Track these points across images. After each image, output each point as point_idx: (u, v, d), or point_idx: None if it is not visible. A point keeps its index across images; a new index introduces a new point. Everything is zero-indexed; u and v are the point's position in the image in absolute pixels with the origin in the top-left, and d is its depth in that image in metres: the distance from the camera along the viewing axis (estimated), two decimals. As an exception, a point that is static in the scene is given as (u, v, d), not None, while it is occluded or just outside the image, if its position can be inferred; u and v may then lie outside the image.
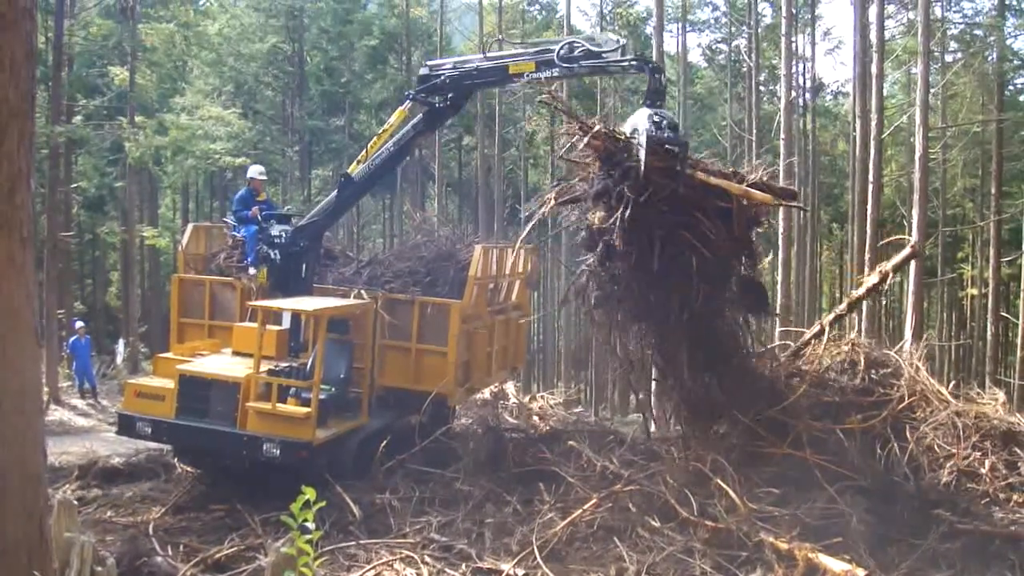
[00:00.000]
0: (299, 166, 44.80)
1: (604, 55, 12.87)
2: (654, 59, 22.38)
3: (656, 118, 11.35)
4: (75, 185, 35.17)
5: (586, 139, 11.50)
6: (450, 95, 14.27)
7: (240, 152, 36.40)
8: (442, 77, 14.27)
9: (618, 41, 13.03)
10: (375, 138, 15.04)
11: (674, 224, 11.37)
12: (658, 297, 12.03)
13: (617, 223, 11.14)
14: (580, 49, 12.98)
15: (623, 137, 11.50)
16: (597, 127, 11.52)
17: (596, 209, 11.66)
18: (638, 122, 11.43)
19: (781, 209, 29.60)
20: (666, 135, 11.21)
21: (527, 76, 13.60)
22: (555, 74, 13.23)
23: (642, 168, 10.94)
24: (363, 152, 14.96)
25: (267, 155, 41.28)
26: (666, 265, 11.38)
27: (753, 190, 11.70)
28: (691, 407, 13.51)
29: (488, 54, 14.20)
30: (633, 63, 13.04)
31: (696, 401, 13.27)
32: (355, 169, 14.91)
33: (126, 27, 36.93)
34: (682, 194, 11.21)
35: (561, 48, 13.07)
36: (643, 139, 11.03)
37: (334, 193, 15.48)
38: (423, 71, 14.71)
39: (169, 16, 41.55)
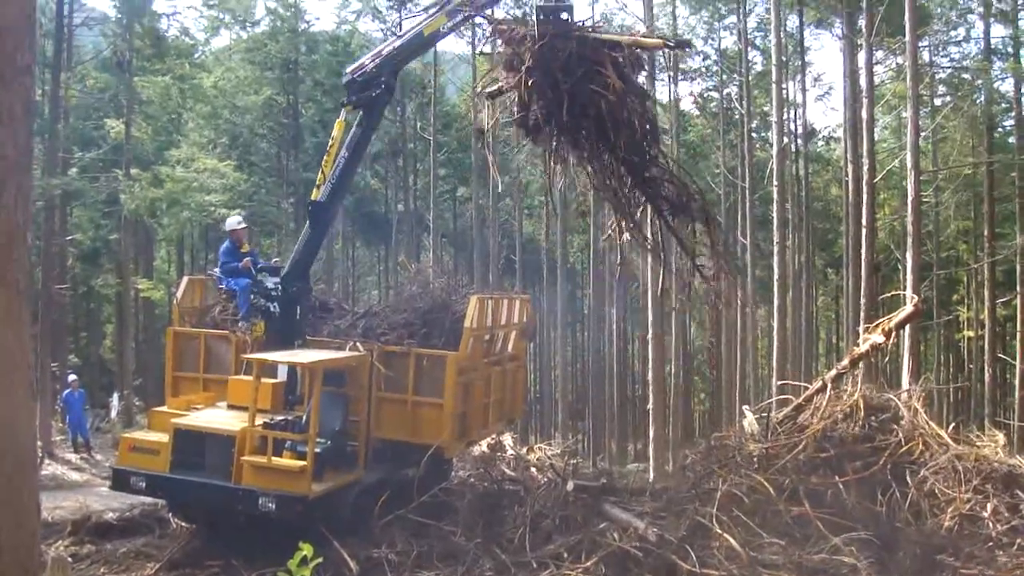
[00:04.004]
0: (294, 218, 44.88)
1: None
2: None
3: None
4: (70, 237, 35.28)
5: (492, 28, 13.64)
6: (382, 81, 14.71)
7: (235, 204, 36.42)
8: (368, 69, 14.65)
9: None
10: (326, 157, 15.10)
11: (579, 77, 12.83)
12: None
13: (525, 84, 12.80)
14: None
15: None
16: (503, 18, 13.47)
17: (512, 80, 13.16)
18: None
19: (776, 253, 29.81)
20: (553, 3, 13.01)
21: (444, 28, 14.49)
22: (467, 13, 14.25)
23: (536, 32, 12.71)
24: (319, 175, 15.04)
25: (262, 207, 41.41)
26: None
27: (643, 38, 13.66)
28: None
29: (400, 32, 15.01)
30: None
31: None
32: (318, 193, 14.94)
33: (122, 80, 37.30)
34: (580, 53, 12.78)
35: None
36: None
37: (308, 226, 15.46)
38: (345, 79, 15.07)
39: (165, 69, 41.87)
